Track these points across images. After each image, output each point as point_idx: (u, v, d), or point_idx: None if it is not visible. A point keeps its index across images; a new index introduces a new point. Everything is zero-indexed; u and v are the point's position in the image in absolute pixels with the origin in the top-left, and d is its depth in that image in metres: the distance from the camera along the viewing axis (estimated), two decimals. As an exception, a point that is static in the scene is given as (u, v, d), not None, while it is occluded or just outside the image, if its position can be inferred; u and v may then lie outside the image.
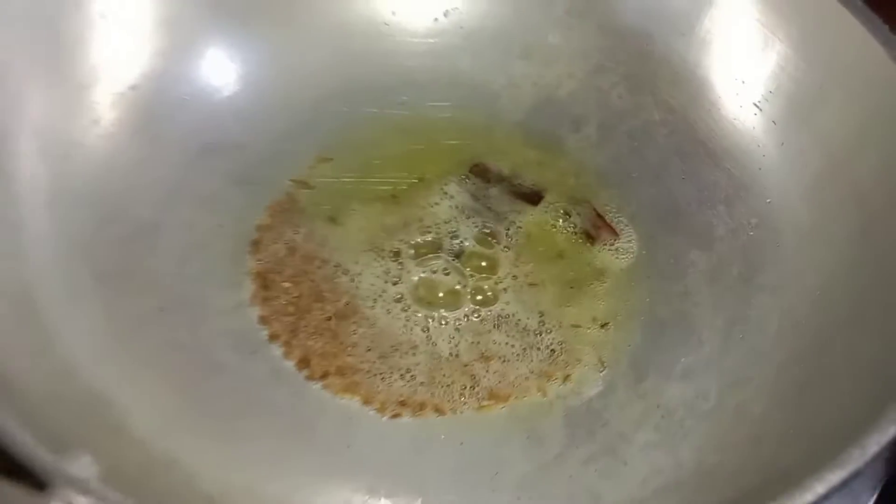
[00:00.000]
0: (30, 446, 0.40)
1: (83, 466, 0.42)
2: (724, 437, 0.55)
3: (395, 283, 0.63)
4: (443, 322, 0.61)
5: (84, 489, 0.39)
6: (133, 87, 0.65)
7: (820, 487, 0.41)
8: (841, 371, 0.53)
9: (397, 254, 0.64)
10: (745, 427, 0.55)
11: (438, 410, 0.58)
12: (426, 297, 0.62)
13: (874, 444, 0.42)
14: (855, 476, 0.41)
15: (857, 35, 0.61)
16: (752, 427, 0.55)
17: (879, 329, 0.52)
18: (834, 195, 0.61)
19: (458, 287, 0.63)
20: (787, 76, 0.66)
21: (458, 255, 0.64)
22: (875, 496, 0.51)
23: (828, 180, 0.62)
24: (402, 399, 0.58)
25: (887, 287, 0.54)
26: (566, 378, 0.59)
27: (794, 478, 0.42)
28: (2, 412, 0.41)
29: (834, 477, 0.41)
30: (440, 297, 0.62)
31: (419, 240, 0.65)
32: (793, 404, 0.54)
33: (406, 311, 0.61)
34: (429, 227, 0.66)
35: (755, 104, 0.67)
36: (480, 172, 0.69)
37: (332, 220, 0.65)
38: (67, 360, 0.54)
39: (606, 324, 0.62)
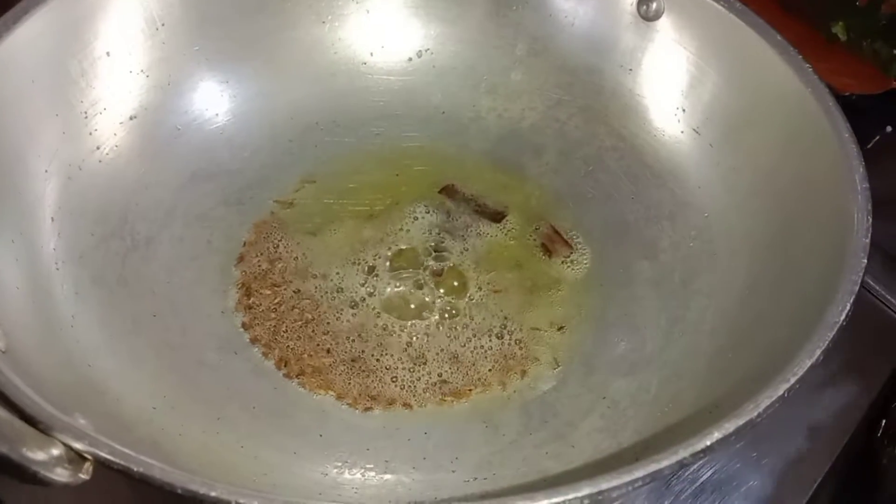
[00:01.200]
0: (37, 402, 0.44)
1: (79, 423, 0.46)
2: (661, 421, 0.60)
3: (369, 293, 0.68)
4: (413, 327, 0.66)
5: (80, 435, 0.43)
6: (132, 118, 0.70)
7: (717, 433, 0.46)
8: (761, 356, 0.57)
9: (372, 267, 0.69)
10: (680, 412, 0.60)
11: (406, 405, 0.63)
12: (398, 306, 0.68)
13: (766, 401, 0.48)
14: (749, 427, 0.47)
15: (778, 67, 0.66)
16: (686, 410, 0.59)
17: (792, 320, 0.57)
18: (760, 206, 0.66)
19: (427, 297, 0.68)
20: (720, 104, 0.71)
21: (427, 268, 0.70)
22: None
23: (755, 193, 0.67)
24: (372, 394, 0.63)
25: (802, 282, 0.59)
26: (523, 374, 0.65)
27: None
28: (15, 379, 0.46)
29: (730, 426, 0.47)
30: (411, 306, 0.68)
31: (392, 254, 0.70)
32: (719, 389, 0.59)
33: (379, 317, 0.67)
34: (401, 242, 0.71)
35: (694, 129, 0.72)
36: (449, 193, 0.74)
37: (312, 235, 0.71)
38: (70, 350, 0.59)
39: (562, 327, 0.67)
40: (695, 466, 0.66)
